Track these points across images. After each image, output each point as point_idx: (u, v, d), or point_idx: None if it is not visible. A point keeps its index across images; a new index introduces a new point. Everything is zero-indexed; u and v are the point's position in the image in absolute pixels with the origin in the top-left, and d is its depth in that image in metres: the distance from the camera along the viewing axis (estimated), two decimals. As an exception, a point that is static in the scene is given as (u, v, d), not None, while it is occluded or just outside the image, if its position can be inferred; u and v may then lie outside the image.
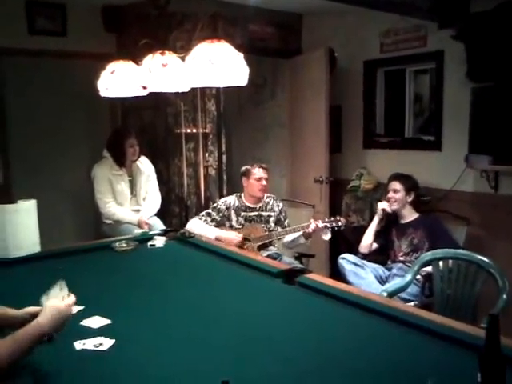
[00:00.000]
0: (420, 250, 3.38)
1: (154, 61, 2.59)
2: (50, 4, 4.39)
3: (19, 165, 4.63)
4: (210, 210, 3.59)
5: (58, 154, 5.11)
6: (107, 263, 2.60)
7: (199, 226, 3.42)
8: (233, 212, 3.55)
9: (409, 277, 2.92)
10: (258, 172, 3.54)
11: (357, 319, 1.79)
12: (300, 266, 3.26)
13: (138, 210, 3.97)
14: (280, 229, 3.57)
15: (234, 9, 4.29)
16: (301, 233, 3.44)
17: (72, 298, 1.53)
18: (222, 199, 3.73)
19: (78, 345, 1.54)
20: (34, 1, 4.30)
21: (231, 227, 3.54)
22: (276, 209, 3.62)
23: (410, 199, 3.56)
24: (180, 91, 2.76)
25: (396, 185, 3.58)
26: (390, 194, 3.59)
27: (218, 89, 4.46)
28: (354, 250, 3.68)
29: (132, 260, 2.64)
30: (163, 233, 3.08)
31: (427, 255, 2.95)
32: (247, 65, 2.16)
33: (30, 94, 4.94)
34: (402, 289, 2.92)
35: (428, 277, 3.06)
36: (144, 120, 4.71)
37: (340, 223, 3.40)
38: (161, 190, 4.18)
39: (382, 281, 3.40)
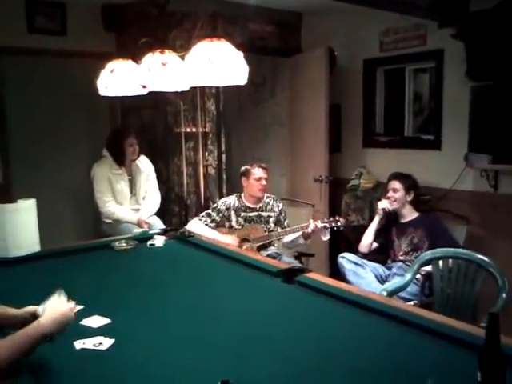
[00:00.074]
0: (420, 249, 3.38)
1: (154, 60, 2.59)
2: (50, 3, 4.39)
3: (19, 164, 4.62)
4: (209, 211, 3.59)
5: (57, 153, 5.11)
6: (107, 262, 2.59)
7: (198, 228, 3.41)
8: (233, 212, 3.55)
9: (408, 276, 2.92)
10: (257, 172, 3.54)
11: (356, 318, 1.79)
12: (299, 265, 3.26)
13: (138, 210, 3.97)
14: (280, 229, 3.56)
15: (233, 8, 4.29)
16: (300, 233, 3.44)
17: (73, 304, 1.54)
18: (222, 199, 3.73)
19: (78, 344, 1.54)
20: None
21: (231, 228, 3.54)
22: (276, 209, 3.62)
23: (409, 198, 3.56)
24: (179, 90, 2.77)
25: (395, 184, 3.58)
26: (390, 194, 3.59)
27: (217, 88, 4.46)
28: (354, 250, 3.68)
29: (131, 259, 2.63)
30: (163, 232, 3.08)
31: (427, 254, 2.95)
32: (247, 64, 2.16)
33: (30, 93, 4.94)
34: (402, 288, 2.92)
35: (428, 276, 3.06)
36: (144, 119, 4.71)
37: (339, 223, 3.39)
38: (160, 189, 4.18)
39: (382, 280, 3.40)
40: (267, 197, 3.64)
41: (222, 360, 1.48)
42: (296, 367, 1.45)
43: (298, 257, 3.72)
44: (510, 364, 1.17)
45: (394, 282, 3.08)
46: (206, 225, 3.52)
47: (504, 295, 2.52)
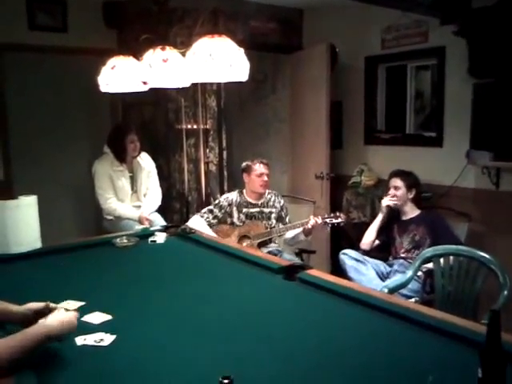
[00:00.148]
0: (421, 246, 3.38)
1: (155, 56, 2.59)
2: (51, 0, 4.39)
3: (20, 161, 4.62)
4: (211, 207, 3.59)
5: (58, 149, 5.11)
6: (108, 259, 2.59)
7: (199, 227, 3.40)
8: (234, 208, 3.55)
9: (410, 273, 2.92)
10: (259, 168, 3.54)
11: (357, 315, 1.79)
12: (300, 262, 3.26)
13: (139, 206, 3.96)
14: (281, 225, 3.56)
15: (234, 4, 4.29)
16: (301, 229, 3.43)
17: (76, 312, 1.57)
18: (224, 196, 3.72)
19: (79, 340, 1.54)
20: (34, -4, 4.30)
21: (232, 224, 3.54)
22: (277, 205, 3.62)
23: (411, 196, 3.55)
24: (181, 87, 2.76)
25: (397, 181, 3.57)
26: (391, 191, 3.58)
27: (218, 84, 4.46)
28: (355, 246, 3.68)
29: (133, 256, 2.64)
30: (164, 229, 3.08)
31: (428, 251, 2.94)
32: (248, 60, 2.15)
33: (31, 90, 4.94)
34: (403, 285, 2.92)
35: (429, 273, 3.06)
36: (145, 116, 4.71)
37: (340, 219, 3.39)
38: (161, 185, 4.18)
39: (384, 277, 3.40)
40: (269, 193, 3.64)
41: (222, 356, 1.48)
42: (297, 364, 1.45)
43: (299, 253, 3.72)
44: (510, 361, 1.17)
45: (396, 279, 3.08)
46: (208, 221, 3.52)
47: (505, 292, 2.51)
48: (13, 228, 2.49)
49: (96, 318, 1.72)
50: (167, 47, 2.61)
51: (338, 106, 4.87)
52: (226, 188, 4.63)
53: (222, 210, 3.54)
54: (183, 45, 3.53)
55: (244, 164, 3.63)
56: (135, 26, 4.41)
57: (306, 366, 1.44)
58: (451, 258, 2.89)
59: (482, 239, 3.72)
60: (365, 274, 3.33)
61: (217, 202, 3.64)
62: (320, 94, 4.68)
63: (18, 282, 2.15)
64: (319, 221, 3.37)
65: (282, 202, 3.67)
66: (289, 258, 3.28)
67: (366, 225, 3.80)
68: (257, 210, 3.57)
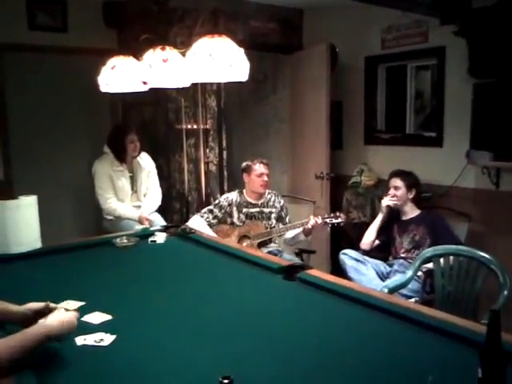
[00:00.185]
0: (422, 246, 3.38)
1: (155, 56, 2.58)
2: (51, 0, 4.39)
3: (20, 161, 4.62)
4: (211, 207, 3.59)
5: (58, 149, 5.11)
6: (108, 259, 2.59)
7: (199, 227, 3.40)
8: (234, 208, 3.55)
9: (410, 273, 2.92)
10: (259, 168, 3.53)
11: (357, 315, 1.79)
12: (300, 261, 3.26)
13: (139, 206, 3.97)
14: (281, 225, 3.56)
15: (234, 4, 4.29)
16: (301, 230, 3.43)
17: (77, 313, 1.57)
18: (224, 195, 3.72)
19: (79, 340, 1.54)
20: (34, -4, 4.30)
21: (232, 224, 3.54)
22: (277, 205, 3.62)
23: (411, 196, 3.55)
24: (181, 87, 2.76)
25: (397, 181, 3.57)
26: (391, 191, 3.58)
27: (218, 84, 4.46)
28: (355, 246, 3.68)
29: (133, 256, 2.64)
30: (164, 229, 3.08)
31: (428, 251, 2.94)
32: (248, 60, 2.15)
33: (31, 90, 4.94)
34: (403, 285, 2.92)
35: (429, 273, 3.06)
36: (145, 116, 4.71)
37: (340, 219, 3.39)
38: (161, 185, 4.18)
39: (384, 277, 3.40)
40: (268, 193, 3.64)
41: (222, 356, 1.48)
42: (297, 364, 1.45)
43: (299, 253, 3.71)
44: (510, 361, 1.17)
45: (396, 279, 3.08)
46: (208, 221, 3.52)
47: (505, 292, 2.51)
48: (13, 228, 2.49)
49: (96, 318, 1.72)
50: (167, 47, 2.61)
51: (338, 105, 4.87)
52: (226, 188, 4.63)
53: (222, 210, 3.54)
54: (183, 45, 3.52)
55: (244, 164, 3.63)
56: (135, 26, 4.41)
57: (305, 366, 1.44)
58: (451, 258, 2.89)
59: (482, 239, 3.72)
60: (365, 274, 3.33)
61: (217, 201, 3.64)
62: (320, 94, 4.68)
63: (18, 282, 2.15)
64: (319, 221, 3.37)
65: (282, 201, 3.68)
66: (289, 258, 3.28)
67: (366, 225, 3.79)
68: (257, 210, 3.57)
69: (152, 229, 3.15)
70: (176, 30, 4.20)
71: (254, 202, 3.57)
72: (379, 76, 4.68)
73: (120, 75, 2.70)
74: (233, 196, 3.60)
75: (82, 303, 1.85)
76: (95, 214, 4.33)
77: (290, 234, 3.54)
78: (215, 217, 3.52)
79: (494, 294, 2.55)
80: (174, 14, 4.24)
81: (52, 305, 1.59)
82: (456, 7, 3.55)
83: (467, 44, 3.71)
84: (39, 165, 4.99)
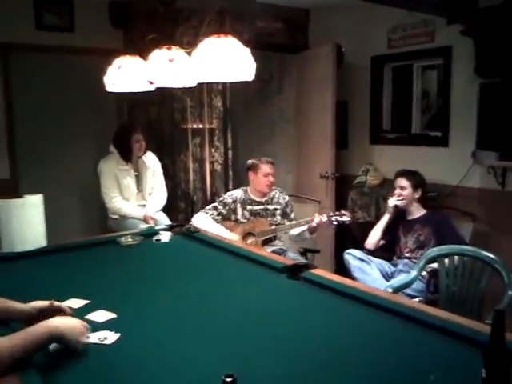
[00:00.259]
0: (426, 246, 3.37)
1: (161, 56, 2.59)
2: (58, 0, 4.41)
3: (26, 160, 4.65)
4: (216, 204, 3.60)
5: (64, 149, 5.14)
6: (112, 258, 2.60)
7: (204, 222, 3.42)
8: (239, 205, 3.55)
9: (414, 273, 2.91)
10: (266, 167, 3.53)
11: (362, 315, 1.79)
12: (305, 261, 3.26)
13: (144, 205, 3.98)
14: (287, 222, 3.56)
15: (241, 4, 4.28)
16: (306, 227, 3.44)
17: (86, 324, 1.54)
18: (229, 193, 3.73)
19: (84, 338, 1.54)
20: (41, -4, 4.33)
21: (236, 221, 3.54)
22: (282, 201, 3.62)
23: (417, 196, 3.54)
24: (186, 86, 2.76)
25: (402, 181, 3.56)
26: (397, 191, 3.56)
27: (224, 84, 4.46)
28: (360, 246, 3.67)
29: (137, 255, 2.64)
30: (169, 228, 3.09)
31: (433, 251, 2.94)
32: (254, 60, 2.16)
33: (38, 89, 4.96)
34: (407, 285, 2.91)
35: (433, 273, 3.05)
36: (150, 115, 4.72)
37: (345, 217, 3.38)
38: (167, 185, 4.19)
39: (388, 276, 3.39)
40: (273, 189, 3.64)
41: (226, 356, 1.49)
42: (301, 363, 1.45)
43: (304, 253, 3.72)
44: (514, 361, 1.16)
45: (400, 279, 3.08)
46: (213, 218, 3.52)
47: (510, 292, 2.50)
48: (18, 226, 2.50)
49: (100, 316, 1.73)
50: (173, 47, 2.61)
51: (343, 105, 4.87)
52: (231, 187, 4.64)
53: (226, 207, 3.55)
54: (189, 45, 3.53)
55: (250, 162, 3.61)
56: (141, 26, 4.42)
57: (309, 366, 1.44)
58: (456, 257, 2.88)
59: (487, 239, 3.71)
60: (369, 273, 3.33)
61: (221, 198, 3.65)
62: (326, 93, 4.68)
63: (22, 281, 2.16)
64: (324, 219, 3.37)
65: (287, 198, 3.67)
66: (293, 257, 3.28)
67: (371, 224, 3.79)
68: (261, 207, 3.57)
69: (157, 228, 3.16)
70: (182, 30, 4.21)
71: (258, 199, 3.58)
72: (385, 76, 4.68)
73: (126, 75, 2.71)
74: (237, 193, 3.61)
75: (87, 301, 1.86)
76: (100, 212, 4.34)
77: (295, 231, 3.54)
78: (219, 213, 3.53)
79: (499, 294, 2.54)
80: (180, 13, 4.25)
81: (56, 303, 1.60)
82: (463, 7, 3.53)
83: (474, 43, 3.70)
84: (45, 164, 5.01)
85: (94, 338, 1.55)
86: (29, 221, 2.53)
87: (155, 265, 2.48)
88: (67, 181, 5.12)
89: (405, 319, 1.70)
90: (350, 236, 4.46)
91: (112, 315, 1.74)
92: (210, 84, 4.28)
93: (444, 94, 4.18)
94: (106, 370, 1.40)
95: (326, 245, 4.51)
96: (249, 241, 3.45)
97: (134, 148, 3.92)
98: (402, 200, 3.54)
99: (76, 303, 1.84)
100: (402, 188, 3.54)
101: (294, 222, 3.55)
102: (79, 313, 1.71)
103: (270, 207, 3.59)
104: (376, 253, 3.60)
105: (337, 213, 3.44)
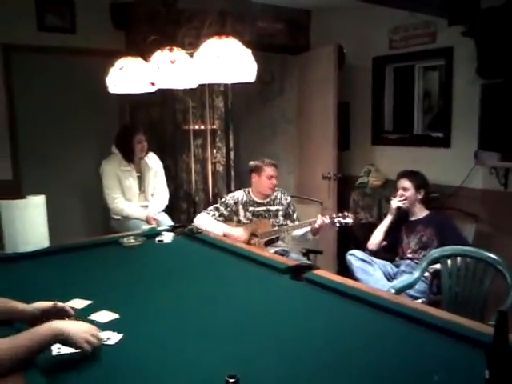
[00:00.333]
0: (429, 247, 3.36)
1: (163, 57, 2.60)
2: (59, 1, 4.42)
3: (28, 160, 4.66)
4: (218, 205, 3.60)
5: (66, 149, 5.15)
6: (115, 258, 2.61)
7: (207, 221, 3.42)
8: (241, 207, 3.55)
9: (417, 274, 2.91)
10: (269, 170, 3.52)
11: (364, 316, 1.79)
12: (307, 262, 3.25)
13: (147, 206, 3.98)
14: (289, 222, 3.56)
15: (242, 5, 4.29)
16: (309, 228, 3.43)
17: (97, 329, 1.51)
18: (230, 194, 3.73)
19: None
20: (43, -2, 4.34)
21: (239, 222, 3.54)
22: (284, 202, 3.62)
23: (420, 196, 3.52)
24: (188, 87, 2.77)
25: (405, 183, 3.54)
26: (400, 192, 3.55)
27: (226, 85, 4.47)
28: (362, 247, 3.67)
29: (140, 255, 2.65)
30: (171, 228, 3.09)
31: (435, 252, 2.93)
32: (255, 61, 2.16)
33: (40, 90, 4.97)
34: (410, 286, 2.91)
35: (436, 274, 3.05)
36: (152, 116, 4.73)
37: (348, 219, 3.38)
38: (169, 186, 4.20)
39: (390, 277, 3.39)
40: (275, 190, 3.63)
41: (229, 356, 1.49)
42: (303, 364, 1.45)
43: (306, 254, 3.71)
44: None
45: (402, 280, 3.07)
46: (214, 219, 3.52)
47: (513, 293, 2.50)
48: (21, 227, 2.51)
49: (103, 316, 1.73)
50: (175, 48, 2.62)
51: (345, 106, 4.87)
52: (233, 188, 4.64)
53: (228, 208, 3.55)
54: (191, 46, 3.53)
55: (253, 163, 3.60)
56: (143, 27, 4.43)
57: (312, 366, 1.44)
58: (458, 258, 2.87)
59: (490, 240, 3.70)
60: (372, 274, 3.32)
61: (223, 199, 3.65)
62: (327, 94, 4.68)
63: (25, 281, 2.17)
64: (326, 220, 3.36)
65: (289, 198, 3.67)
66: (296, 258, 3.28)
67: (373, 225, 3.78)
68: (263, 208, 3.57)
69: (159, 228, 3.16)
70: (184, 31, 4.22)
71: (260, 201, 3.57)
72: (387, 76, 4.67)
73: (128, 76, 2.72)
74: (239, 195, 3.61)
75: (89, 302, 1.87)
76: (103, 213, 4.35)
77: (297, 232, 3.54)
78: (221, 214, 3.53)
79: (502, 295, 2.53)
80: (181, 15, 4.26)
81: (59, 304, 1.60)
82: (464, 8, 3.53)
83: (475, 44, 3.70)
84: (47, 165, 5.02)
85: (97, 338, 1.55)
86: (31, 221, 2.54)
87: (157, 265, 2.49)
88: (69, 181, 5.13)
89: (407, 320, 1.70)
90: (352, 237, 4.46)
91: (115, 316, 1.75)
92: (211, 85, 4.28)
93: (446, 94, 4.18)
94: (109, 371, 1.40)
95: (329, 246, 4.51)
96: (251, 242, 3.45)
97: (136, 149, 3.93)
98: (404, 200, 3.53)
99: (79, 303, 1.84)
100: (405, 189, 3.53)
101: (296, 223, 3.55)
102: (82, 313, 1.72)
103: (273, 208, 3.59)
104: (378, 254, 3.59)
105: (339, 214, 3.43)
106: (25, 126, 4.63)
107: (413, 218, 3.55)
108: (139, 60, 2.75)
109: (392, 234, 3.60)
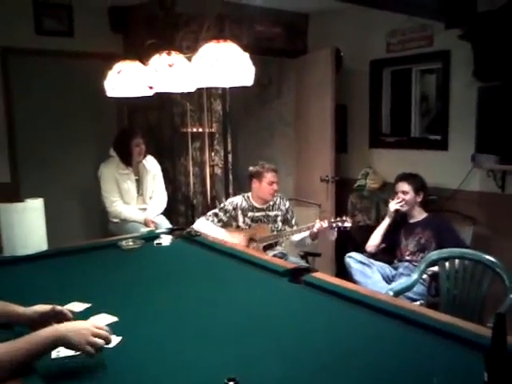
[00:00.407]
0: (427, 249, 3.37)
1: (161, 61, 2.61)
2: (57, 4, 4.43)
3: (27, 163, 4.66)
4: (216, 211, 3.60)
5: (65, 153, 5.15)
6: (114, 261, 2.61)
7: (206, 227, 3.42)
8: (240, 212, 3.55)
9: (415, 276, 2.91)
10: (270, 176, 3.51)
11: (363, 318, 1.79)
12: (306, 264, 3.26)
13: (145, 209, 3.99)
14: (288, 228, 3.57)
15: (240, 9, 4.30)
16: (307, 233, 3.43)
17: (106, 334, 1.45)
18: (229, 200, 3.73)
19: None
20: (41, 1, 4.34)
21: (238, 227, 3.54)
22: (283, 208, 3.62)
23: (419, 199, 3.52)
24: (186, 91, 2.77)
25: (404, 186, 3.54)
26: (400, 195, 3.54)
27: (223, 88, 4.48)
28: (361, 249, 3.67)
29: (138, 258, 2.65)
30: (169, 231, 3.09)
31: (434, 254, 2.94)
32: (253, 64, 2.17)
33: (37, 94, 4.98)
34: (408, 288, 2.91)
35: (434, 276, 3.05)
36: (150, 120, 4.73)
37: (346, 223, 3.38)
38: (167, 188, 4.20)
39: (389, 280, 3.40)
40: (274, 196, 3.64)
41: (228, 358, 1.49)
42: (302, 366, 1.45)
43: (305, 256, 3.72)
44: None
45: (401, 282, 3.08)
46: (213, 225, 3.53)
47: (511, 296, 2.50)
48: (19, 230, 2.51)
49: (102, 319, 1.73)
50: (173, 52, 2.63)
51: (342, 109, 4.88)
52: (231, 191, 4.65)
53: (227, 214, 3.55)
54: (189, 49, 3.55)
55: (253, 169, 3.59)
56: (141, 31, 4.44)
57: (312, 368, 1.44)
58: (456, 261, 2.88)
59: (488, 242, 3.72)
60: (370, 276, 3.33)
61: (222, 205, 3.65)
62: (325, 97, 4.69)
63: (24, 284, 2.16)
64: (325, 224, 3.36)
65: (288, 204, 3.68)
66: (294, 261, 3.28)
67: (371, 228, 3.79)
68: (262, 213, 3.57)
69: (157, 231, 3.16)
70: (182, 35, 4.23)
71: (259, 206, 3.58)
72: (384, 80, 4.69)
73: (126, 80, 2.72)
74: (238, 200, 3.61)
75: (88, 305, 1.87)
76: (101, 216, 4.35)
77: (296, 237, 3.54)
78: (220, 220, 3.53)
79: (500, 297, 2.54)
80: (179, 19, 4.27)
81: (58, 307, 1.60)
82: (461, 11, 3.55)
83: (472, 48, 3.72)
84: (46, 168, 5.02)
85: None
86: (30, 225, 2.54)
87: (156, 268, 2.49)
88: (68, 185, 5.13)
89: (406, 322, 1.70)
90: (350, 239, 4.46)
91: (113, 318, 1.74)
92: (209, 88, 4.28)
93: (443, 97, 4.19)
94: (108, 374, 1.40)
95: (327, 248, 4.51)
96: (250, 247, 3.45)
97: (134, 152, 3.93)
98: (403, 203, 3.53)
99: (78, 306, 1.84)
100: (404, 192, 3.52)
101: (295, 228, 3.55)
102: (81, 316, 1.72)
103: (271, 214, 3.59)
104: (377, 256, 3.60)
105: (338, 218, 3.42)
106: (23, 129, 4.63)
107: (411, 221, 3.56)
108: (137, 64, 2.75)
109: (390, 236, 3.61)
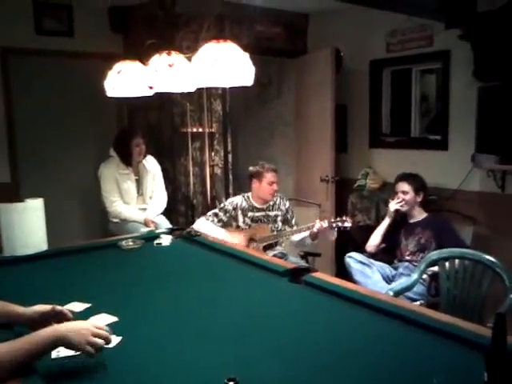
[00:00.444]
0: (427, 249, 3.37)
1: (161, 61, 2.61)
2: (57, 4, 4.43)
3: (27, 163, 4.66)
4: (216, 211, 3.60)
5: (65, 153, 5.15)
6: (114, 261, 2.61)
7: (206, 227, 3.42)
8: (240, 212, 3.55)
9: (415, 276, 2.91)
10: (270, 176, 3.51)
11: (363, 318, 1.79)
12: (306, 264, 3.26)
13: (145, 209, 3.99)
14: (288, 228, 3.57)
15: (240, 9, 4.30)
16: (307, 233, 3.43)
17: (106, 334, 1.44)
18: (229, 200, 3.73)
19: (85, 342, 1.54)
20: (41, 1, 4.34)
21: (238, 227, 3.54)
22: (283, 208, 3.62)
23: (419, 199, 3.52)
24: (186, 91, 2.77)
25: (404, 186, 3.54)
26: (400, 195, 3.54)
27: (223, 88, 4.48)
28: (360, 249, 3.67)
29: (138, 258, 2.65)
30: (169, 231, 3.09)
31: (434, 254, 2.94)
32: (253, 64, 2.17)
33: (37, 94, 4.98)
34: (408, 288, 2.91)
35: (434, 276, 3.05)
36: (150, 120, 4.73)
37: (346, 223, 3.37)
38: (167, 188, 4.20)
39: (389, 280, 3.40)
40: (274, 196, 3.64)
41: (228, 358, 1.49)
42: (302, 366, 1.45)
43: (305, 256, 3.72)
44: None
45: (401, 282, 3.08)
46: (214, 224, 3.53)
47: (511, 296, 2.51)
48: (19, 230, 2.51)
49: (102, 319, 1.73)
50: (173, 52, 2.63)
51: (342, 109, 4.88)
52: (231, 191, 4.65)
53: (227, 214, 3.55)
54: (189, 49, 3.55)
55: (253, 169, 3.59)
56: (141, 31, 4.44)
57: (312, 368, 1.44)
58: (456, 261, 2.88)
59: (488, 242, 3.72)
60: (370, 276, 3.33)
61: (222, 205, 3.65)
62: (325, 97, 4.69)
63: (24, 284, 2.16)
64: (324, 224, 3.36)
65: (288, 204, 3.68)
66: (294, 261, 3.28)
67: (371, 228, 3.79)
68: (262, 213, 3.57)
69: (157, 231, 3.16)
70: (182, 35, 4.23)
71: (259, 206, 3.58)
72: (384, 80, 4.69)
73: (126, 80, 2.72)
74: (238, 200, 3.61)
75: (88, 305, 1.87)
76: (101, 216, 4.35)
77: (296, 237, 3.54)
78: (220, 220, 3.53)
79: (500, 297, 2.54)
80: (179, 19, 4.27)
81: (58, 307, 1.60)
82: (461, 11, 3.55)
83: (472, 48, 3.72)
84: (46, 168, 5.02)
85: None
86: (30, 225, 2.54)
87: (156, 268, 2.49)
88: (68, 185, 5.13)
89: (406, 322, 1.70)
90: (350, 239, 4.46)
91: (113, 318, 1.74)
92: (209, 88, 4.28)
93: (443, 97, 4.20)
94: (108, 374, 1.40)
95: (327, 248, 4.51)
96: (250, 246, 3.45)
97: (134, 152, 3.93)
98: (404, 203, 3.52)
99: (78, 306, 1.84)
100: (404, 192, 3.52)
101: (295, 228, 3.55)
102: (81, 316, 1.72)
103: (271, 214, 3.59)
104: (377, 256, 3.60)
105: (338, 218, 3.42)
106: (23, 129, 4.63)
107: (411, 221, 3.56)
108: (137, 64, 2.75)
109: (390, 236, 3.61)
